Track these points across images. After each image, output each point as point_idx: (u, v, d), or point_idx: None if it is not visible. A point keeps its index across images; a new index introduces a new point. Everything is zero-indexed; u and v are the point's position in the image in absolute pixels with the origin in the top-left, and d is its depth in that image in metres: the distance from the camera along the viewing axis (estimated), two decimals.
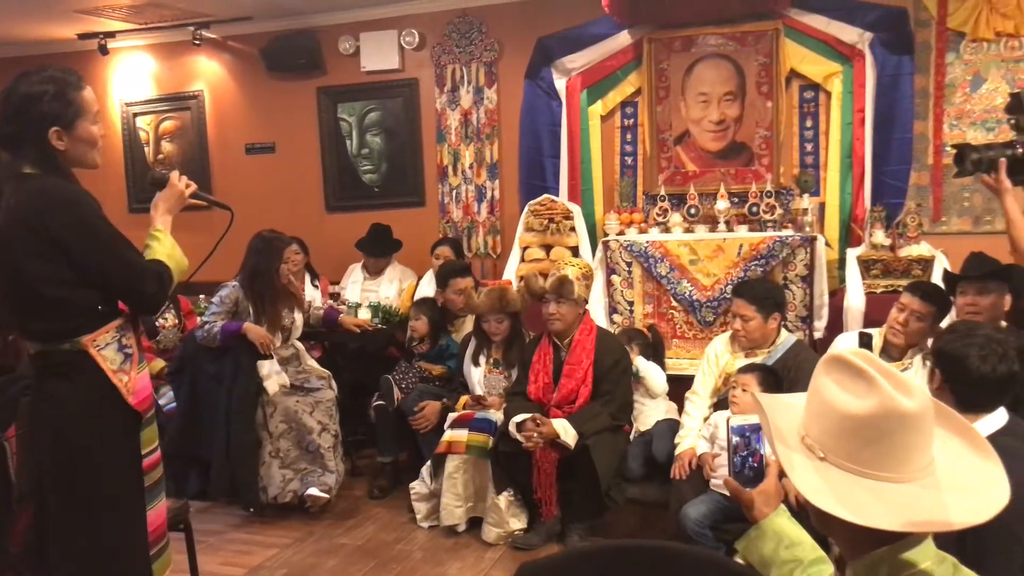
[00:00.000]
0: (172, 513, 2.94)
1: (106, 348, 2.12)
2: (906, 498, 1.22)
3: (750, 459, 1.62)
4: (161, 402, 4.42)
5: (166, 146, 6.50)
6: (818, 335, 4.43)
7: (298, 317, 4.38)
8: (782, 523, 1.59)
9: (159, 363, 4.58)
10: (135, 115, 6.53)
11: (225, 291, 4.24)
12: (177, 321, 4.95)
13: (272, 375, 4.12)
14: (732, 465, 1.63)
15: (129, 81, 6.51)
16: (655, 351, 4.28)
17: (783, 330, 3.64)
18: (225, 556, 3.73)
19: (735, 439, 1.62)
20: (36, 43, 6.42)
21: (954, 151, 2.87)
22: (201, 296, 5.52)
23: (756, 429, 1.63)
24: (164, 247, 2.25)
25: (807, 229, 4.52)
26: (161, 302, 2.26)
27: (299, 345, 4.38)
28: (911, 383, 1.26)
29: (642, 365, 4.05)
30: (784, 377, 3.41)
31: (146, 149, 6.54)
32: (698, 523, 3.16)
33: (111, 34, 6.19)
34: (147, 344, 4.60)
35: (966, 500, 1.23)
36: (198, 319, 5.02)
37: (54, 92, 2.09)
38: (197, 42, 6.04)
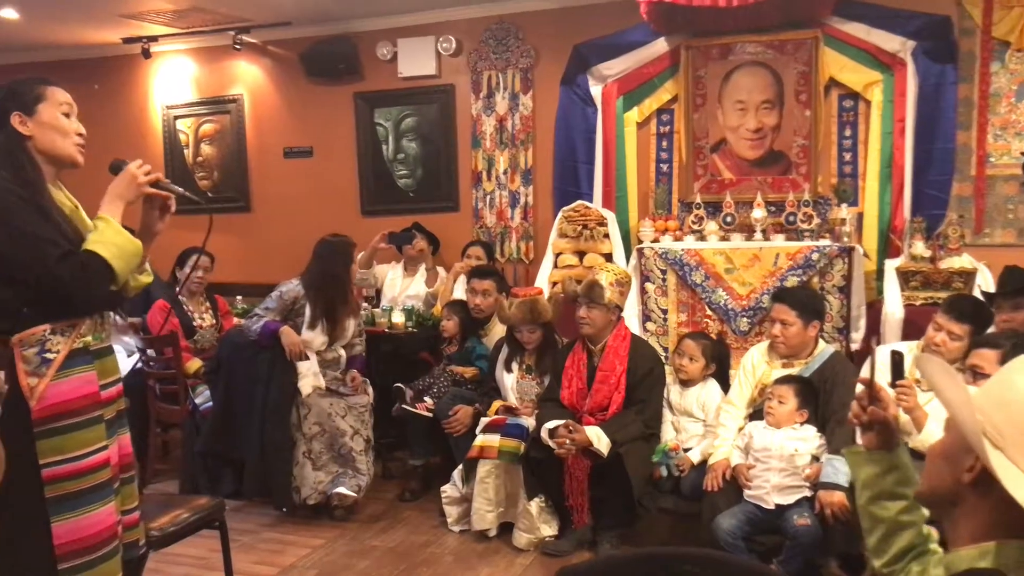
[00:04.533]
0: (207, 511, 3.00)
1: (28, 349, 2.10)
2: None
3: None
4: (198, 401, 4.49)
5: (205, 149, 6.59)
6: (855, 346, 4.38)
7: (351, 324, 4.39)
8: (906, 459, 1.60)
9: (196, 363, 4.64)
10: (176, 118, 6.64)
11: (286, 287, 4.26)
12: (215, 321, 5.01)
13: (308, 375, 4.15)
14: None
15: (170, 84, 6.62)
16: (720, 363, 3.95)
17: (820, 341, 3.59)
18: (258, 555, 3.77)
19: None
20: (81, 47, 6.55)
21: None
22: (238, 297, 5.61)
23: None
24: (100, 235, 2.13)
25: (845, 239, 4.47)
26: (84, 292, 2.12)
27: (342, 351, 4.41)
28: None
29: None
30: (820, 389, 3.37)
31: (186, 152, 6.63)
32: (731, 534, 3.14)
33: (154, 38, 6.30)
34: (184, 344, 4.66)
35: None
36: (235, 320, 5.09)
37: (12, 88, 2.15)
38: (238, 47, 6.12)
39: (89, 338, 2.19)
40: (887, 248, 4.76)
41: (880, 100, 4.77)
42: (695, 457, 3.62)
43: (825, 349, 3.56)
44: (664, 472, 3.63)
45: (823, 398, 3.35)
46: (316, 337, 4.22)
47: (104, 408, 2.21)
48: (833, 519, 3.03)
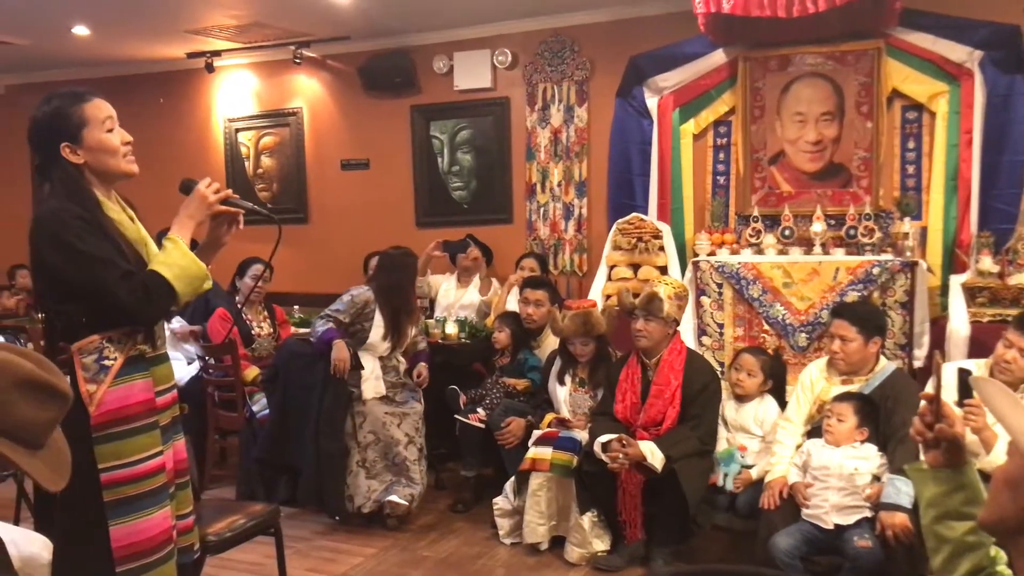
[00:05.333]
0: (263, 518, 3.04)
1: (87, 357, 2.15)
2: None
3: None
4: (255, 408, 4.56)
5: (265, 161, 6.73)
6: (917, 364, 4.26)
7: (411, 332, 4.45)
8: (973, 477, 1.54)
9: (253, 371, 4.72)
10: (237, 131, 6.79)
11: (358, 292, 4.32)
12: (272, 330, 5.09)
13: (371, 379, 4.20)
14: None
15: (232, 98, 6.77)
16: (776, 379, 3.89)
17: (882, 357, 3.50)
18: (312, 563, 3.81)
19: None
20: (148, 62, 6.74)
21: None
22: (295, 307, 5.70)
23: None
24: (167, 256, 2.18)
25: (907, 254, 4.36)
26: (145, 312, 2.17)
27: (402, 359, 4.45)
28: None
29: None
30: (881, 407, 3.28)
31: (246, 163, 6.78)
32: (788, 554, 3.07)
33: (217, 53, 6.46)
34: (243, 352, 4.75)
35: None
36: (292, 329, 5.17)
37: (55, 111, 2.15)
38: (297, 61, 6.24)
39: (145, 346, 2.24)
40: (952, 263, 4.62)
41: (945, 111, 4.65)
42: (753, 473, 3.56)
43: (886, 366, 3.47)
44: (721, 479, 3.57)
45: (884, 416, 3.27)
46: (381, 344, 4.27)
47: (159, 414, 2.26)
48: (895, 541, 2.95)
